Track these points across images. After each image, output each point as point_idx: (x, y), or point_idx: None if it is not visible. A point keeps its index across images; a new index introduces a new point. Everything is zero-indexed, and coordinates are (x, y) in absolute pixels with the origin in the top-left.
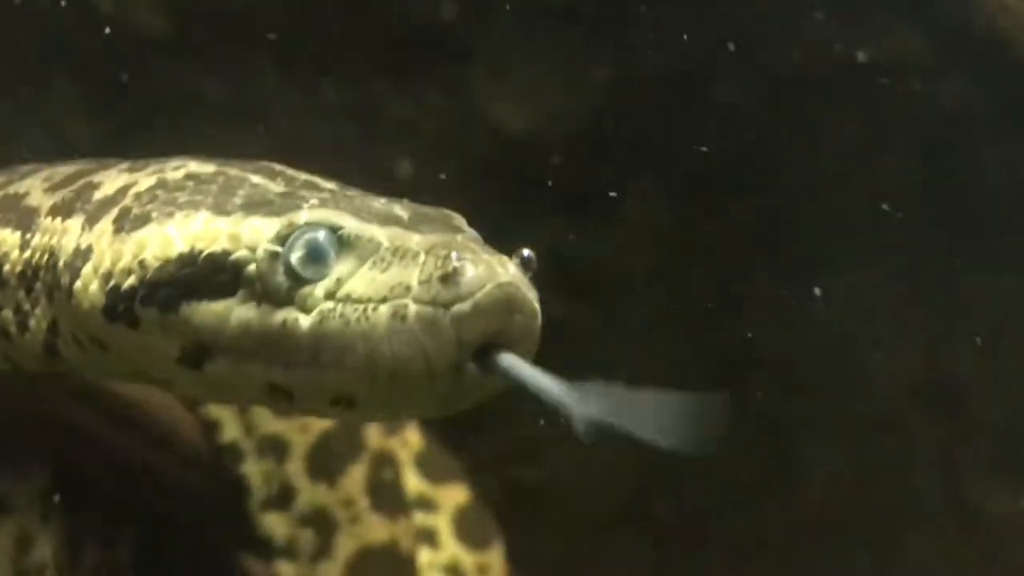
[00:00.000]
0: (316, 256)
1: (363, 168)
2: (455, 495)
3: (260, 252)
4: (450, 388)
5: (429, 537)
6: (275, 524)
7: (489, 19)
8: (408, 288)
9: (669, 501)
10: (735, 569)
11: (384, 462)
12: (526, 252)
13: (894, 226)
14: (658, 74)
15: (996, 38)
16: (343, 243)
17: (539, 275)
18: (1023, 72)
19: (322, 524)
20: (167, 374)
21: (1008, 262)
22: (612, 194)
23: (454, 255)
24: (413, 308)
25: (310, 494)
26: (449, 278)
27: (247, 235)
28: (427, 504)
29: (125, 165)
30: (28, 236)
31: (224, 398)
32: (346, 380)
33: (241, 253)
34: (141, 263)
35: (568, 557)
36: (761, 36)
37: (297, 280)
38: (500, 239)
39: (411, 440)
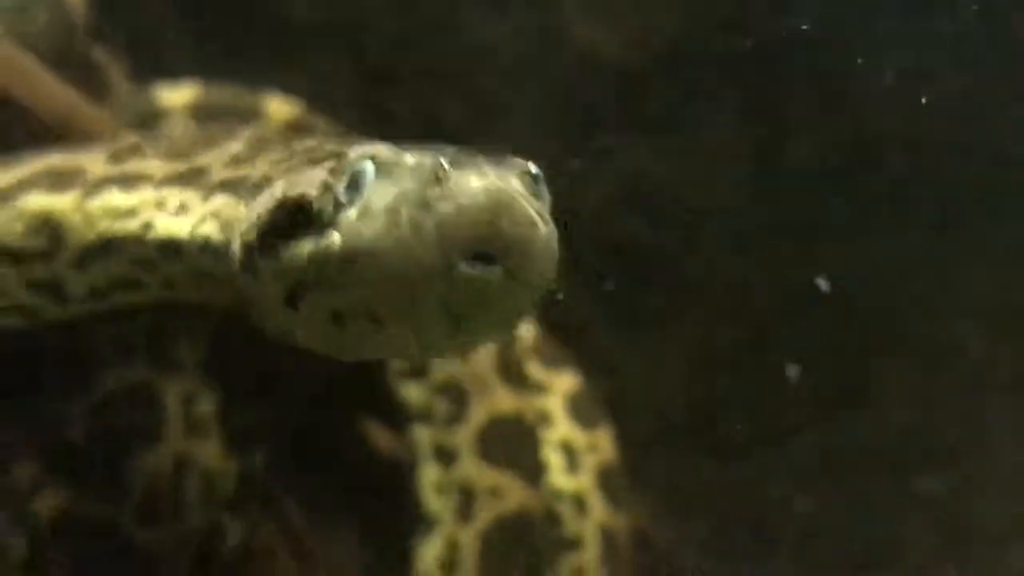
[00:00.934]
0: (355, 183)
1: (450, 85)
2: (566, 381)
3: (317, 188)
4: (450, 293)
5: (544, 417)
6: (411, 392)
7: None
8: (406, 195)
9: (738, 419)
10: (802, 491)
11: (508, 345)
12: (533, 168)
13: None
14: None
15: None
16: (379, 170)
17: (608, 198)
18: None
19: (456, 393)
20: (283, 321)
21: None
22: (694, 117)
23: (447, 163)
24: (404, 212)
25: (444, 367)
26: (441, 183)
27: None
28: (542, 387)
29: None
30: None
31: (318, 340)
32: (369, 295)
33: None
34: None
35: (637, 468)
36: None
37: (340, 207)
38: (580, 162)
39: (528, 330)
